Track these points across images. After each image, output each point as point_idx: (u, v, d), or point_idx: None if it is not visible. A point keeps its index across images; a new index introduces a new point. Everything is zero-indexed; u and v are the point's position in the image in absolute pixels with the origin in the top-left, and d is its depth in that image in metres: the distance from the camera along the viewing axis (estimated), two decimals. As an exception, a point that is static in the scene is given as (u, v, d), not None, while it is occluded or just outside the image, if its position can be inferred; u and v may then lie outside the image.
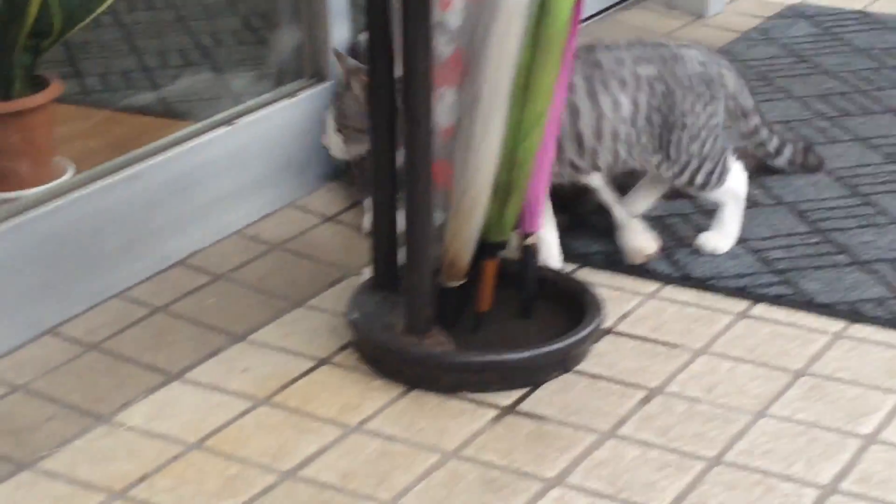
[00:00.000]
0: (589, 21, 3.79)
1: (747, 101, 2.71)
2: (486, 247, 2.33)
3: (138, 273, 2.59)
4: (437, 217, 2.29)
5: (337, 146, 2.55)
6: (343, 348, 2.39)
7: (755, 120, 2.76)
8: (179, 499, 2.03)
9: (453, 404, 2.24)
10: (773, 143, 2.84)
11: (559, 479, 2.06)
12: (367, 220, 2.75)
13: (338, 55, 2.51)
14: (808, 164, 2.93)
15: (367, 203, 2.73)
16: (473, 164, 2.24)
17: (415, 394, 2.27)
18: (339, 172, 2.94)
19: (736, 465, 2.08)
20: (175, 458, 2.12)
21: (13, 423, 2.21)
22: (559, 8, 2.17)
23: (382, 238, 2.41)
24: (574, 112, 2.50)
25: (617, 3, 3.96)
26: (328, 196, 2.90)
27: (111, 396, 2.27)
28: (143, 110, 3.33)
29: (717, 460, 2.09)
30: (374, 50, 2.28)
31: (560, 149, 2.50)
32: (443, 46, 2.20)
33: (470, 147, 2.23)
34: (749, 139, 2.79)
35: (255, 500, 2.03)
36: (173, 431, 2.18)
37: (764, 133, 2.80)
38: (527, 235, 2.38)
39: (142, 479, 2.08)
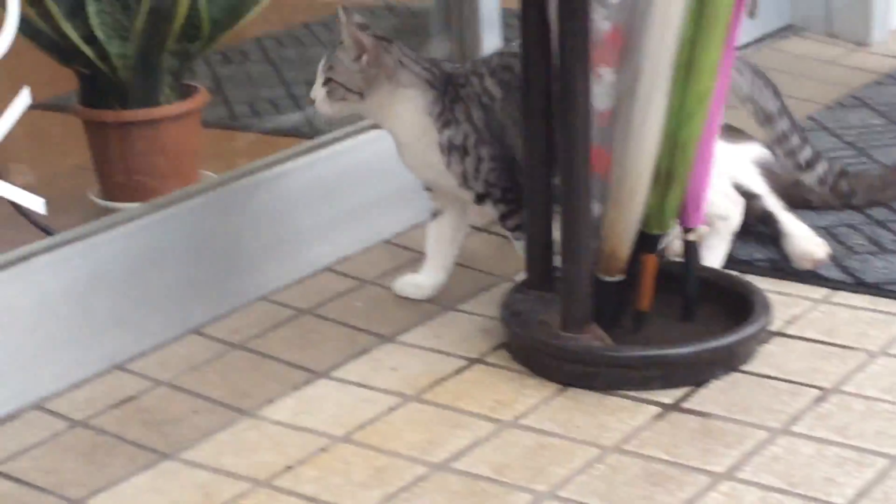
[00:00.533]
0: (746, 49, 3.68)
1: (769, 104, 2.47)
2: (647, 240, 2.21)
3: (284, 276, 2.52)
4: (595, 208, 2.18)
5: (321, 99, 2.33)
6: (496, 349, 2.29)
7: (782, 125, 2.49)
8: (326, 488, 1.94)
9: (612, 401, 2.12)
10: (805, 154, 2.53)
11: (729, 474, 1.92)
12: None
13: (345, 10, 2.31)
14: (838, 190, 2.63)
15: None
16: (633, 148, 2.13)
17: (571, 391, 2.15)
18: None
19: (922, 463, 1.93)
20: (321, 450, 2.03)
21: (157, 416, 2.14)
22: (724, -21, 2.07)
23: (537, 236, 2.31)
24: None
25: (775, 31, 3.84)
26: (479, 208, 2.80)
27: (256, 392, 2.19)
28: (289, 133, 3.30)
29: (901, 457, 1.94)
30: (527, 31, 2.19)
31: None
32: (601, 22, 2.11)
33: (629, 130, 2.13)
34: (779, 147, 2.51)
35: (405, 491, 1.92)
36: (319, 425, 2.09)
37: (794, 141, 2.51)
38: (688, 231, 2.26)
39: (287, 469, 1.99)
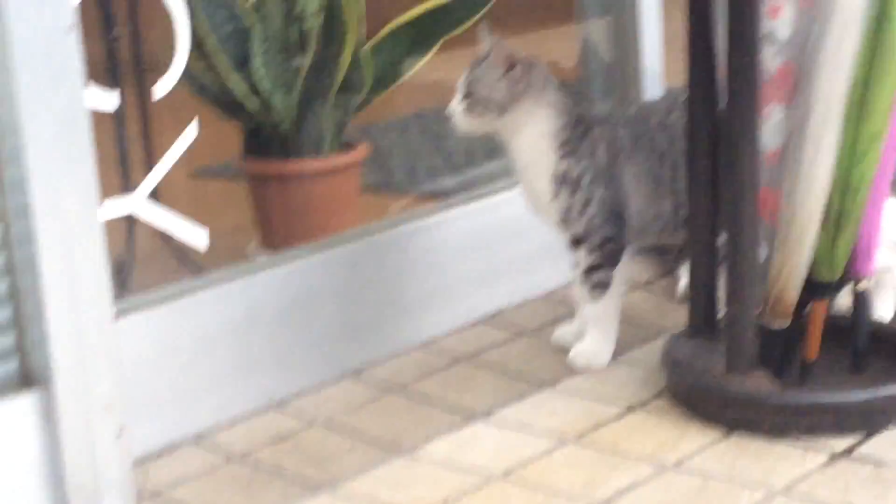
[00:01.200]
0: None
1: None
2: (816, 286, 2.15)
3: (441, 325, 2.51)
4: (761, 251, 2.13)
5: (459, 114, 2.29)
6: (657, 396, 2.24)
7: None
8: (483, 522, 1.90)
9: (779, 447, 2.05)
10: None
11: (904, 518, 1.84)
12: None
13: (489, 31, 2.32)
14: None
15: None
16: (802, 188, 2.08)
17: (735, 436, 2.09)
18: (650, 248, 2.82)
19: None
20: (478, 487, 2.00)
21: (314, 452, 2.13)
22: (900, 15, 2.02)
23: (700, 282, 2.27)
24: None
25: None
26: (639, 266, 2.76)
27: (413, 432, 2.17)
28: (448, 195, 3.30)
29: None
30: (694, 68, 2.17)
31: (677, 206, 2.32)
32: (771, 59, 2.07)
33: (799, 170, 2.08)
34: None
35: (564, 526, 1.88)
36: (477, 463, 2.06)
37: None
38: (858, 280, 2.19)
39: (444, 503, 1.95)
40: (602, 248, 2.32)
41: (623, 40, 2.92)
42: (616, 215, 2.31)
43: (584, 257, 2.33)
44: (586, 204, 2.30)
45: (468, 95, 2.30)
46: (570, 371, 2.34)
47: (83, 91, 1.89)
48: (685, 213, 2.30)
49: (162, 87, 2.19)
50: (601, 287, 2.33)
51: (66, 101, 1.88)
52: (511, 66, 2.28)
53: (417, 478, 2.03)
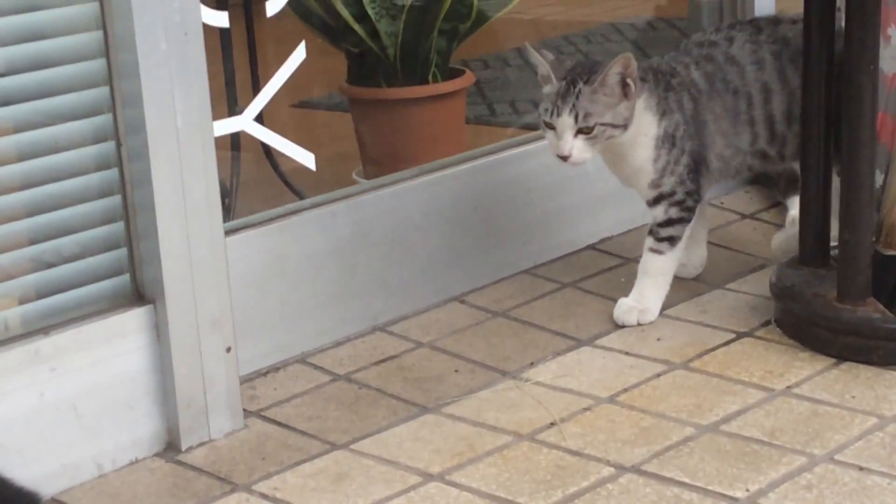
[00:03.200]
0: None
1: None
2: (931, 214, 2.11)
3: (546, 251, 2.49)
4: (877, 179, 2.10)
5: (580, 151, 2.12)
6: (765, 324, 2.21)
7: None
8: (590, 443, 1.89)
9: (891, 376, 2.02)
10: None
11: None
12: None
13: (530, 50, 2.20)
14: None
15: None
16: (921, 113, 2.04)
17: (846, 365, 2.06)
18: (756, 179, 2.78)
19: None
20: (585, 409, 1.99)
21: (418, 374, 2.13)
22: None
23: (812, 211, 2.23)
24: (766, 92, 2.23)
25: None
26: (745, 197, 2.74)
27: (517, 356, 2.17)
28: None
29: None
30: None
31: (754, 137, 2.25)
32: (891, -20, 2.03)
33: (918, 95, 2.04)
34: None
35: (673, 449, 1.86)
36: (583, 387, 2.05)
37: None
38: (975, 209, 2.15)
39: (550, 425, 1.95)
40: (683, 203, 2.25)
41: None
42: (698, 167, 2.25)
43: (661, 213, 2.25)
44: (679, 157, 2.23)
45: (586, 130, 2.13)
46: (677, 298, 2.32)
47: (197, 6, 1.90)
48: (762, 144, 2.26)
49: (273, 6, 2.19)
50: (672, 241, 2.26)
51: (179, 17, 1.88)
52: (627, 82, 2.14)
53: (524, 400, 2.03)
